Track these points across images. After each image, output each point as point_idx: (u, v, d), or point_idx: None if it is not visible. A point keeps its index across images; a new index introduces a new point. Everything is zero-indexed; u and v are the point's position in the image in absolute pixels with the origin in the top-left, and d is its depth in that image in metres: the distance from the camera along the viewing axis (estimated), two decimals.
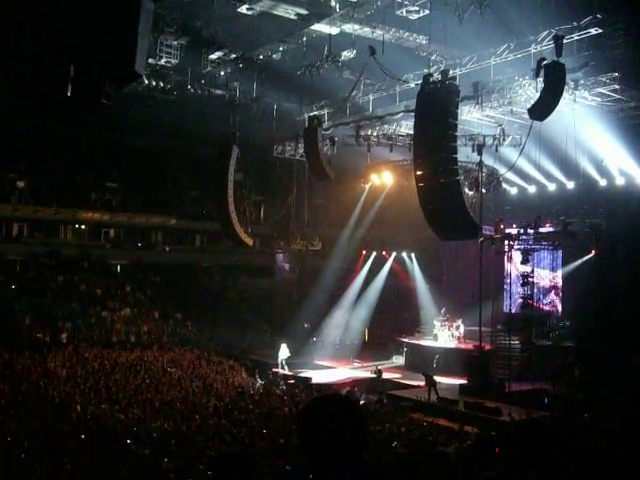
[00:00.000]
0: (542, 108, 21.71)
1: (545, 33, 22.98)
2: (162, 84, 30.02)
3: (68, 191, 40.98)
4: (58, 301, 36.03)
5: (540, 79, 21.96)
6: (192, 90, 31.10)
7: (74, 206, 40.91)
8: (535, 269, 31.02)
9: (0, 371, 26.15)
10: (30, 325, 33.43)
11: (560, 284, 33.49)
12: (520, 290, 31.14)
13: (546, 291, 33.78)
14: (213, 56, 29.87)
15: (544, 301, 33.33)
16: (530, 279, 30.23)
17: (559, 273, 33.38)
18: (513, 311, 31.71)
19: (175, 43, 28.08)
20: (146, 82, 28.95)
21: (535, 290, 30.91)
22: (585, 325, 30.06)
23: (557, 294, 33.81)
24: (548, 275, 33.62)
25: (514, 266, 32.23)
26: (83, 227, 42.63)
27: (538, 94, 22.32)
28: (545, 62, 21.27)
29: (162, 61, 28.13)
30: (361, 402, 25.51)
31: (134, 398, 23.20)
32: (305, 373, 31.46)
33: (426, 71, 24.75)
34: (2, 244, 38.43)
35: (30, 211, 39.69)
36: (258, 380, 29.89)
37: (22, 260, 38.65)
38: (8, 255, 38.20)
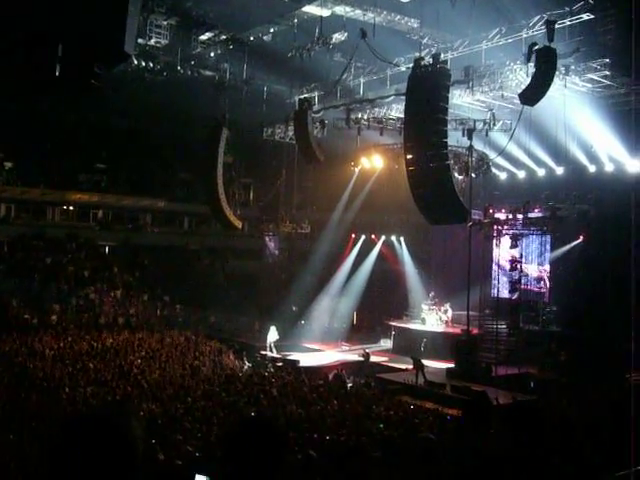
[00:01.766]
0: (533, 93, 21.73)
1: (537, 18, 22.96)
2: (151, 65, 29.83)
3: (56, 172, 40.74)
4: (46, 283, 35.90)
5: (531, 64, 21.98)
6: (182, 71, 30.93)
7: (62, 187, 40.72)
8: (523, 254, 31.12)
9: None
10: (18, 307, 33.32)
11: (548, 269, 33.62)
12: (508, 275, 31.28)
13: (534, 276, 33.92)
14: (203, 37, 29.68)
15: (532, 286, 33.45)
16: (518, 264, 30.35)
17: (547, 258, 33.51)
18: (501, 296, 31.84)
19: (165, 23, 27.89)
20: (135, 62, 28.74)
21: (523, 275, 31.03)
22: (572, 310, 30.21)
23: (545, 279, 33.94)
24: (536, 260, 33.74)
25: (503, 251, 32.32)
26: (71, 208, 42.43)
27: (529, 79, 22.33)
28: (536, 47, 21.27)
29: (152, 41, 27.94)
30: (349, 385, 25.65)
31: (122, 380, 23.20)
32: (293, 356, 31.54)
33: (417, 55, 24.67)
34: None
35: (17, 192, 39.49)
36: (246, 363, 29.95)
37: (9, 241, 38.45)
38: None
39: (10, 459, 13.03)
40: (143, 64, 29.48)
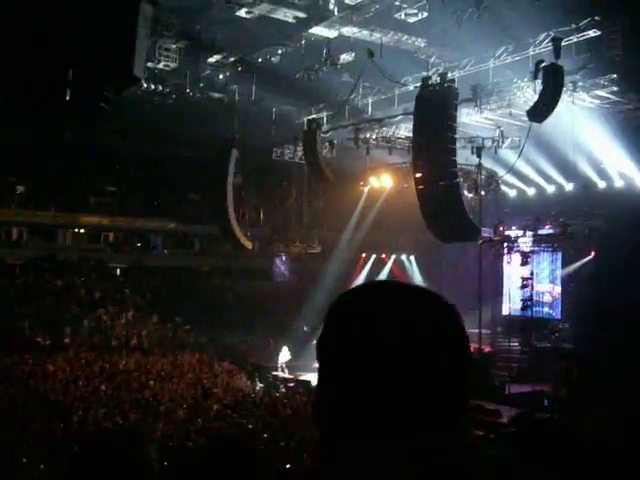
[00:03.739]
0: (541, 110, 21.76)
1: (543, 35, 23.00)
2: (161, 88, 29.99)
3: (67, 195, 41.00)
4: (58, 305, 36.02)
5: (539, 81, 22.01)
6: (191, 93, 31.09)
7: (73, 210, 40.95)
8: (534, 271, 31.03)
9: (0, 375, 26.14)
10: (30, 329, 33.42)
11: (560, 286, 33.48)
12: (519, 293, 31.16)
13: (545, 293, 33.78)
14: (212, 59, 29.86)
15: (543, 303, 33.32)
16: (529, 281, 30.24)
17: (558, 275, 33.38)
18: (512, 313, 31.69)
19: (174, 47, 28.09)
20: (145, 86, 28.91)
21: (534, 292, 30.92)
22: (584, 327, 30.05)
23: (556, 296, 33.79)
24: (547, 277, 33.62)
25: (513, 268, 32.22)
26: (82, 231, 42.65)
27: (537, 96, 22.36)
28: (543, 64, 21.32)
29: (161, 65, 28.12)
30: None
31: (134, 402, 23.18)
32: (305, 376, 31.41)
33: (425, 74, 24.76)
34: (2, 248, 38.47)
35: (29, 215, 39.73)
36: (258, 384, 29.86)
37: (22, 264, 38.66)
38: (7, 259, 38.20)
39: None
40: (152, 87, 29.66)
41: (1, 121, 32.67)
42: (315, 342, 1.46)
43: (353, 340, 1.23)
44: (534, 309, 30.92)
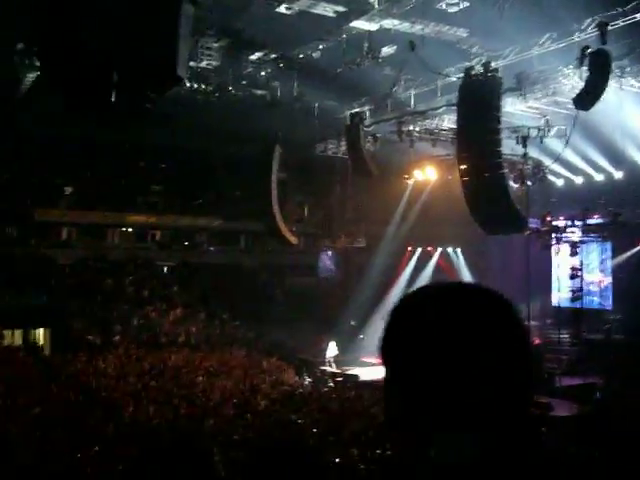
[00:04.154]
0: (587, 97, 21.36)
1: (588, 21, 22.54)
2: (203, 86, 30.22)
3: (114, 195, 41.67)
4: (108, 303, 36.66)
5: (585, 68, 21.60)
6: (233, 91, 31.26)
7: (121, 210, 41.61)
8: (584, 261, 30.53)
9: (53, 373, 26.73)
10: (81, 328, 34.07)
11: (610, 276, 32.88)
12: (569, 283, 30.69)
13: (595, 284, 33.22)
14: (253, 57, 29.99)
15: (594, 294, 32.77)
16: (579, 272, 29.78)
17: (608, 265, 32.79)
18: (562, 305, 31.23)
19: (215, 45, 28.30)
20: (188, 85, 29.18)
21: (584, 283, 30.43)
22: (636, 318, 29.48)
23: (607, 287, 33.20)
24: (597, 267, 33.05)
25: (562, 259, 31.75)
26: (130, 230, 43.30)
27: (583, 83, 21.97)
28: (589, 50, 20.91)
29: (203, 63, 28.35)
30: None
31: (185, 398, 23.47)
32: (353, 370, 31.44)
33: (467, 64, 24.53)
34: (52, 249, 39.29)
35: (78, 216, 40.48)
36: (306, 378, 29.97)
37: (72, 264, 39.41)
38: (58, 260, 38.99)
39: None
40: (195, 86, 29.91)
41: (49, 124, 33.39)
42: (379, 343, 1.49)
43: (425, 341, 1.26)
44: (584, 300, 30.45)
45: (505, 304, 1.32)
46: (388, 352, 1.36)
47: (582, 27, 22.85)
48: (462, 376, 1.20)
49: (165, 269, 43.10)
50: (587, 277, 31.44)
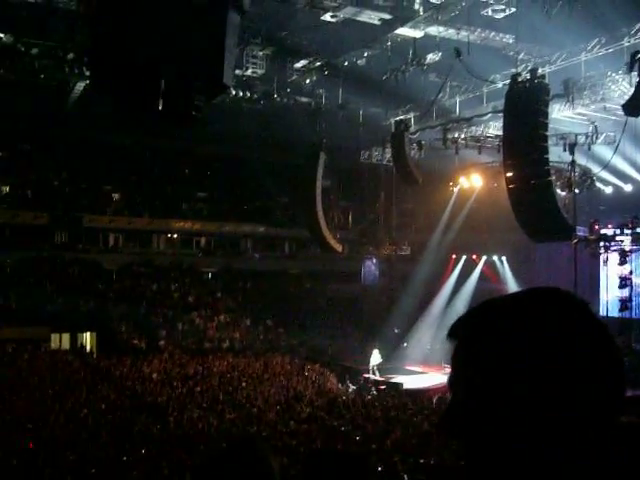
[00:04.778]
0: (637, 103, 20.98)
1: (638, 25, 22.19)
2: (249, 94, 30.47)
3: (160, 202, 42.26)
4: (153, 308, 37.11)
5: (634, 73, 21.21)
6: (278, 99, 31.46)
7: (166, 216, 42.18)
8: (633, 270, 29.94)
9: (100, 377, 27.13)
10: (127, 332, 34.55)
11: None
12: (618, 293, 30.11)
13: None
14: (298, 64, 30.17)
15: None
16: (628, 281, 29.21)
17: None
18: (610, 315, 30.64)
19: (261, 53, 28.57)
20: (234, 92, 29.45)
21: (634, 292, 29.83)
22: None
23: None
24: None
25: (610, 268, 31.17)
26: (175, 236, 43.84)
27: (632, 89, 21.58)
28: (639, 55, 20.55)
29: (248, 72, 28.63)
30: None
31: (228, 404, 23.61)
32: (396, 379, 31.27)
33: (514, 70, 24.31)
34: (99, 254, 39.99)
35: (125, 222, 41.19)
36: (350, 386, 29.91)
37: (118, 269, 40.04)
38: (105, 265, 39.64)
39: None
40: (241, 94, 30.18)
41: (99, 132, 34.03)
42: (450, 356, 1.44)
43: (518, 352, 1.19)
44: (634, 310, 29.84)
45: (583, 304, 1.24)
46: (469, 367, 1.31)
47: (631, 31, 22.49)
48: (562, 385, 1.15)
49: (209, 275, 43.51)
50: (637, 286, 30.81)
